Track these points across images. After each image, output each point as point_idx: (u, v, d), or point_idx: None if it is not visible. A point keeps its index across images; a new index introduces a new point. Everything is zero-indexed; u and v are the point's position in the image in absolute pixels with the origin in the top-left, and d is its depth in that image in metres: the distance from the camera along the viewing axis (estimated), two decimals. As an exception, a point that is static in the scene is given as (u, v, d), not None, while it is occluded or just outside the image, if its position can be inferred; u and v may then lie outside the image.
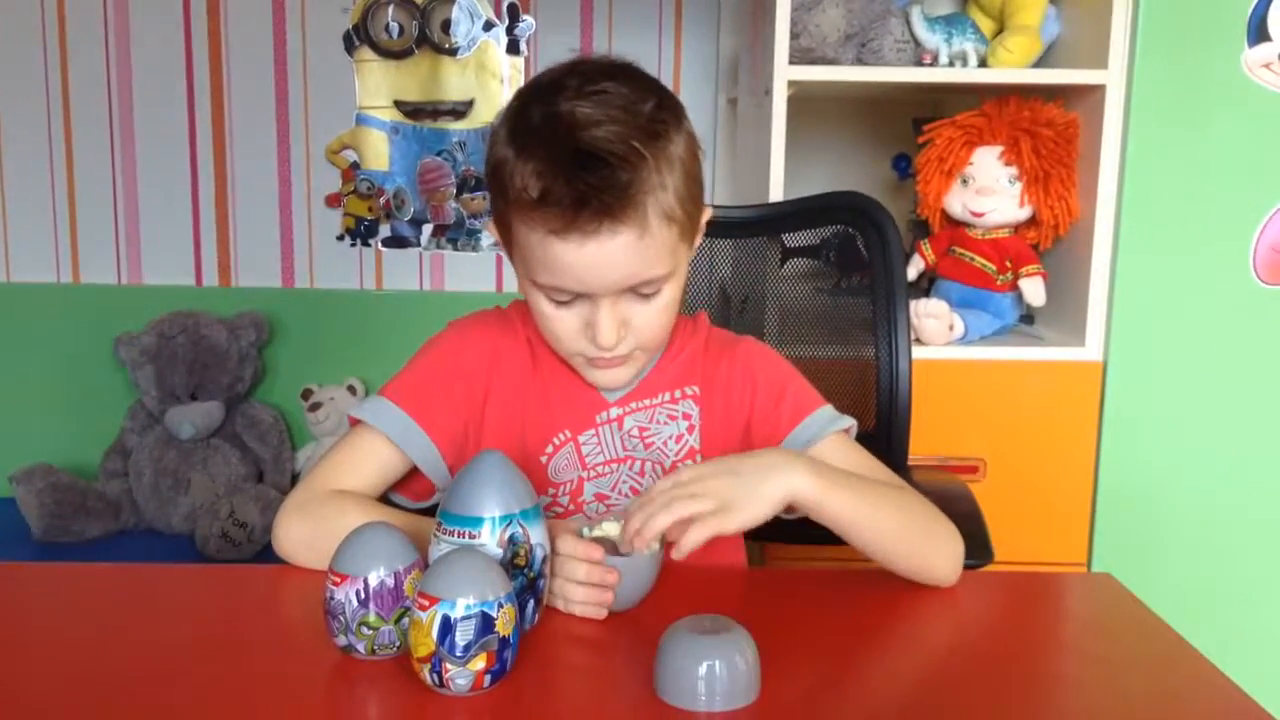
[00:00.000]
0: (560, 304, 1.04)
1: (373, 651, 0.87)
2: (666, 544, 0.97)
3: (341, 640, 0.88)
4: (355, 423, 1.12)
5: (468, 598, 0.81)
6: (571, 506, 1.12)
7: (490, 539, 0.89)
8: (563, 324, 1.05)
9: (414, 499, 1.15)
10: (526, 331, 1.15)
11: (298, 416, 2.59)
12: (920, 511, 1.06)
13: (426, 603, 0.81)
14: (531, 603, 0.92)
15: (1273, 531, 1.94)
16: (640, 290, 1.03)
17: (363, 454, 1.11)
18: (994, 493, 1.86)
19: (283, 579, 1.06)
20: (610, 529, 1.00)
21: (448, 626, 0.80)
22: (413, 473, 1.13)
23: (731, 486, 0.96)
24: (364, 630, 0.87)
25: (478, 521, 0.90)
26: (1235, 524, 1.94)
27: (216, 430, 2.48)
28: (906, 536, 1.03)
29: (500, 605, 0.82)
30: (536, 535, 0.91)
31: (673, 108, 1.04)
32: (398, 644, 0.87)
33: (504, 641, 0.82)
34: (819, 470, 1.00)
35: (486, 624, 0.81)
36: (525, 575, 0.91)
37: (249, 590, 1.08)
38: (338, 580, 0.87)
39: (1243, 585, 1.94)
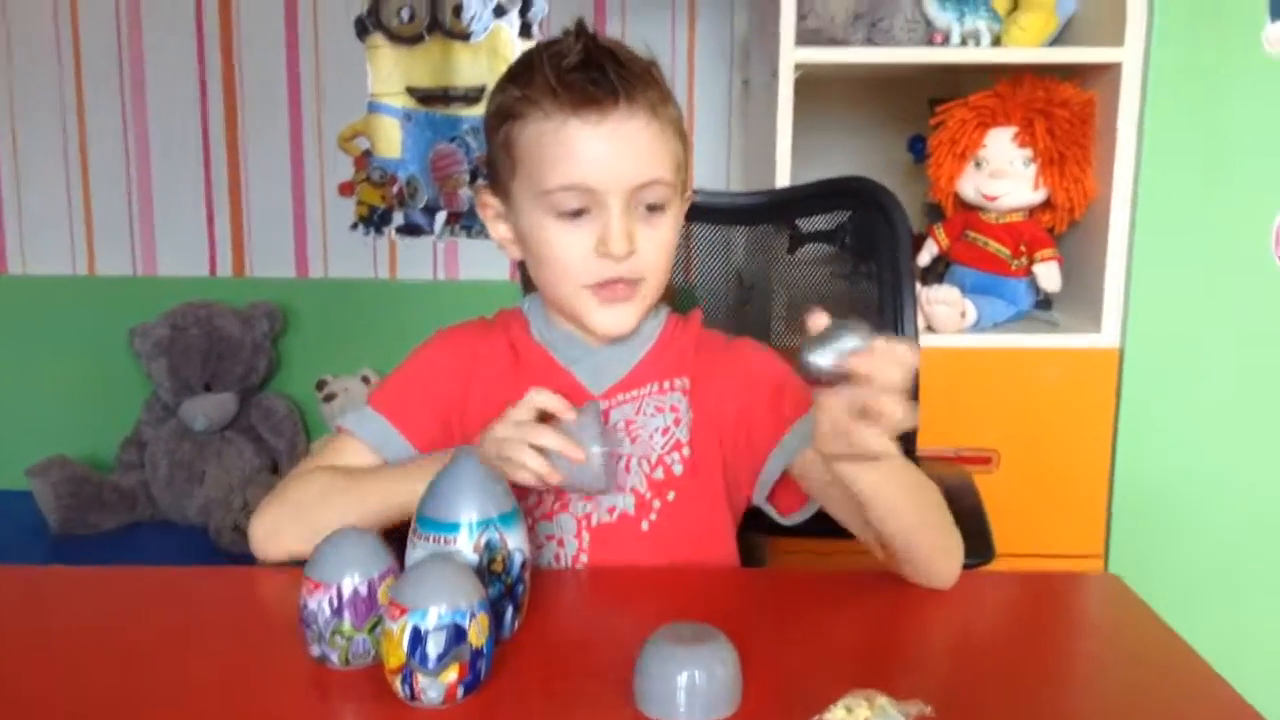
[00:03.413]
0: (570, 216, 1.04)
1: (347, 662, 0.86)
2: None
3: (316, 650, 0.86)
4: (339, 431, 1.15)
5: (439, 607, 0.79)
6: (556, 505, 1.10)
7: (466, 544, 0.88)
8: (572, 247, 1.05)
9: None
10: (509, 336, 1.16)
11: (312, 407, 2.58)
12: (937, 496, 1.02)
13: (397, 612, 0.80)
14: (510, 609, 0.90)
15: (1295, 521, 1.89)
16: (648, 199, 1.04)
17: (336, 457, 1.13)
18: (1009, 484, 1.84)
19: (262, 580, 1.06)
20: None
21: (418, 637, 0.79)
22: None
23: None
24: (338, 640, 0.85)
25: (454, 527, 0.88)
26: (1255, 515, 1.89)
27: (231, 422, 2.48)
28: (925, 512, 0.99)
29: (473, 615, 0.80)
30: (514, 540, 0.90)
31: (664, 78, 1.08)
32: (373, 653, 0.86)
33: (477, 652, 0.80)
34: None
35: (458, 634, 0.79)
36: (503, 581, 0.89)
37: (227, 593, 1.07)
38: (312, 588, 0.86)
39: (1263, 578, 1.90)
